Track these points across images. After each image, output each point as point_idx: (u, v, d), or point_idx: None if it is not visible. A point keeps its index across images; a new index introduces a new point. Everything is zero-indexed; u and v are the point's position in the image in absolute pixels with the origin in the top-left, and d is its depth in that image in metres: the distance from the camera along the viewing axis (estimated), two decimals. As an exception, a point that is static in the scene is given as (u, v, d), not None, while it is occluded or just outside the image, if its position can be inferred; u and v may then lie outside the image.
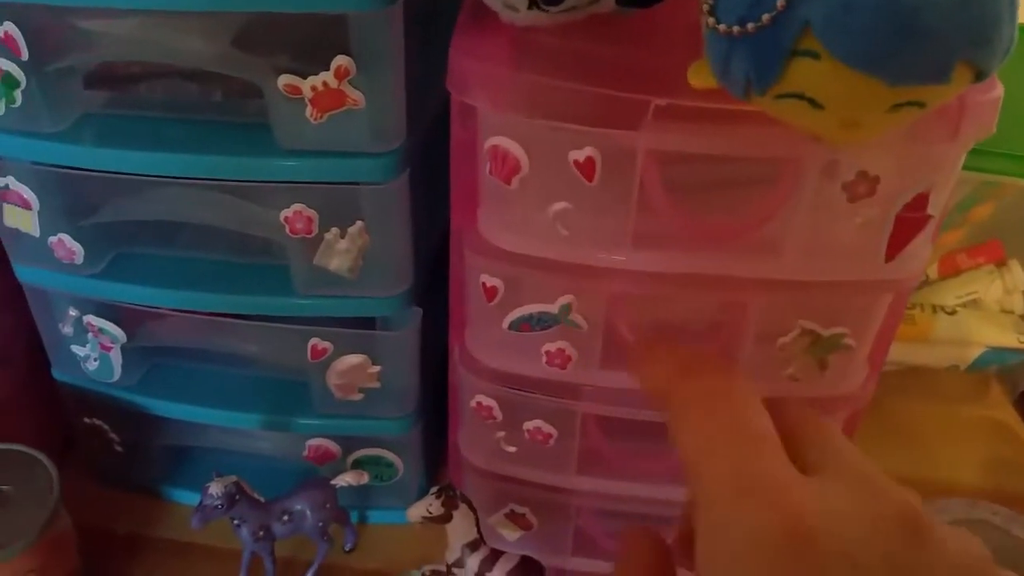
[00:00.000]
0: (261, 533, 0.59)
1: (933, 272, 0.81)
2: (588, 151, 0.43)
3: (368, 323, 0.59)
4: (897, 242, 0.46)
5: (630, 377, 0.46)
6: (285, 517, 0.60)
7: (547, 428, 0.56)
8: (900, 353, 0.77)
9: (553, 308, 0.51)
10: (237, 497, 0.57)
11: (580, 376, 0.54)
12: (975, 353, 0.78)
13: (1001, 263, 0.80)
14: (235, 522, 0.58)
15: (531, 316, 0.52)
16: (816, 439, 0.33)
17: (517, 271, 0.50)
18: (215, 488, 0.56)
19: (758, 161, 0.46)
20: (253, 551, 0.61)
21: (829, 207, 0.45)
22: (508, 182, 0.46)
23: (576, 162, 0.44)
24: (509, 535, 0.64)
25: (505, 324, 0.52)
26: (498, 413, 0.57)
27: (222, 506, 0.56)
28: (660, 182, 0.45)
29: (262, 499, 0.59)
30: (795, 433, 0.33)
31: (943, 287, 0.80)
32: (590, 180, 0.44)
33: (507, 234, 0.49)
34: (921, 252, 0.48)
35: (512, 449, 0.59)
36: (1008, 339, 0.77)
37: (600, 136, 0.43)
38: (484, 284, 0.51)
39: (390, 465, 0.66)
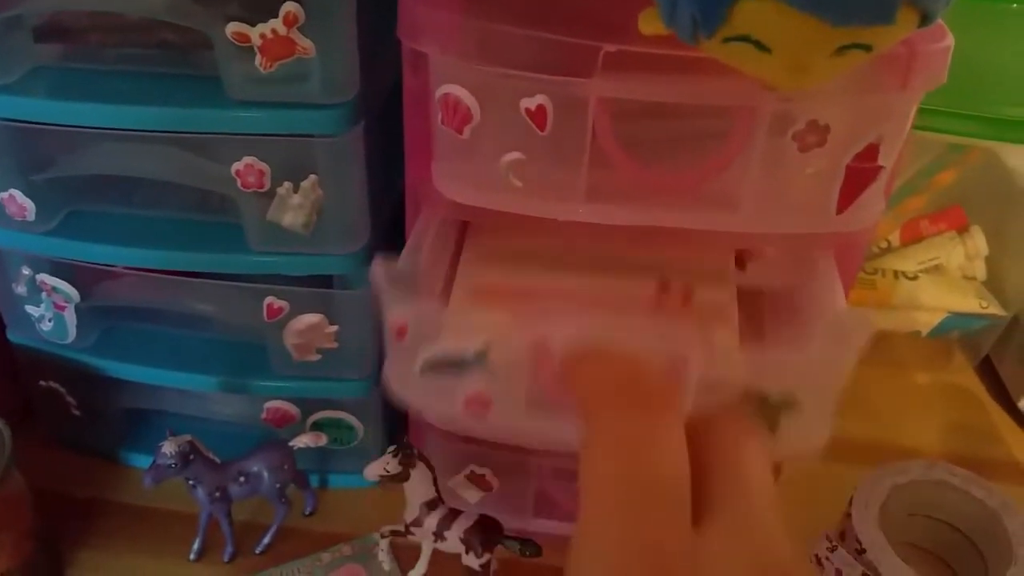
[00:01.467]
0: (217, 494, 0.59)
1: (895, 239, 0.82)
2: (540, 99, 0.43)
3: (326, 283, 0.59)
4: (848, 193, 0.46)
5: (560, 428, 0.39)
6: (242, 478, 0.60)
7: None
8: (862, 319, 0.78)
9: (468, 351, 0.45)
10: (191, 457, 0.56)
11: (504, 422, 0.48)
12: (937, 319, 0.78)
13: (963, 229, 0.80)
14: (190, 482, 0.58)
15: (444, 358, 0.46)
16: (728, 476, 0.32)
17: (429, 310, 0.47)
18: (168, 447, 0.55)
19: (711, 114, 0.46)
20: (210, 513, 0.61)
21: (781, 158, 0.45)
22: (460, 132, 0.45)
23: (528, 110, 0.44)
24: (470, 497, 0.64)
25: (416, 367, 0.47)
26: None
27: (175, 465, 0.56)
28: (612, 132, 0.45)
29: (217, 460, 0.59)
30: (713, 463, 0.31)
31: (905, 253, 0.81)
32: (542, 129, 0.44)
33: (461, 186, 0.48)
34: (873, 204, 0.48)
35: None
36: (970, 304, 0.77)
37: (551, 84, 0.43)
38: (394, 324, 0.47)
39: (350, 428, 0.65)
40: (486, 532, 0.57)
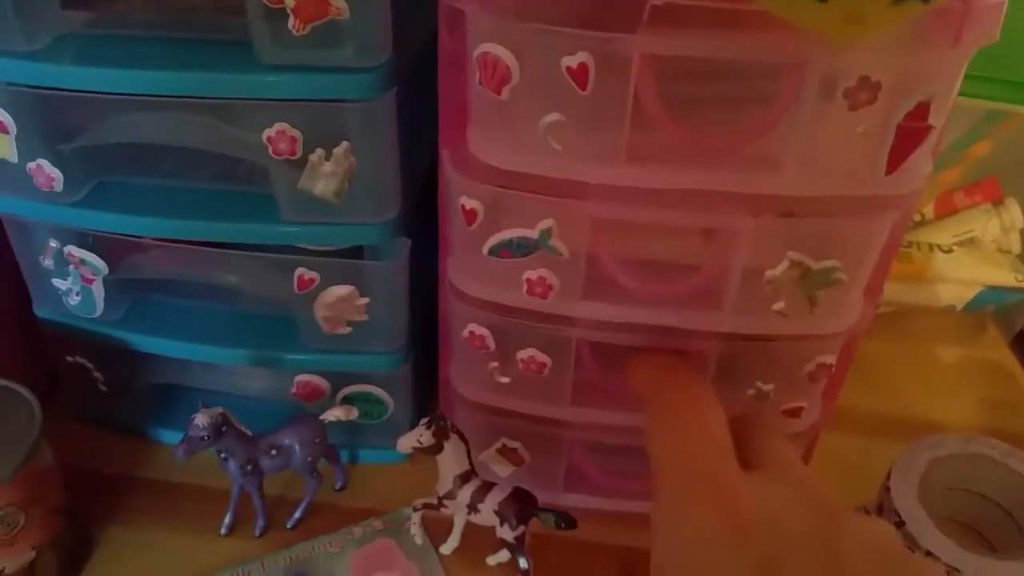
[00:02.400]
0: (249, 467, 0.58)
1: (929, 212, 0.80)
2: (581, 57, 0.42)
3: (355, 254, 0.58)
4: (898, 154, 0.45)
5: (614, 313, 0.53)
6: (273, 452, 0.59)
7: (541, 357, 0.55)
8: (896, 292, 0.77)
9: (533, 233, 0.49)
10: (224, 429, 0.56)
11: (563, 307, 0.53)
12: (972, 292, 0.77)
13: (998, 202, 0.79)
14: (222, 455, 0.58)
15: (511, 241, 0.50)
16: (762, 445, 0.41)
17: (498, 193, 0.49)
18: (201, 419, 0.55)
19: (757, 75, 0.45)
20: (241, 487, 0.60)
21: (830, 116, 0.44)
22: (499, 92, 0.44)
23: (569, 69, 0.42)
24: (501, 471, 0.63)
25: (485, 250, 0.51)
26: (491, 342, 0.56)
27: (208, 437, 0.55)
28: (656, 91, 0.43)
29: (249, 432, 0.58)
30: (747, 438, 0.41)
31: (940, 226, 0.79)
32: (583, 89, 0.43)
33: (498, 150, 0.47)
34: (921, 167, 0.46)
35: (506, 380, 0.58)
36: (1005, 278, 0.76)
37: (594, 40, 0.41)
38: (464, 207, 0.50)
39: (380, 402, 0.64)
40: (521, 504, 0.56)
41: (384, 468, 0.68)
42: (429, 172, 0.55)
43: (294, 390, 0.64)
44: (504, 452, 0.62)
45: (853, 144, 0.45)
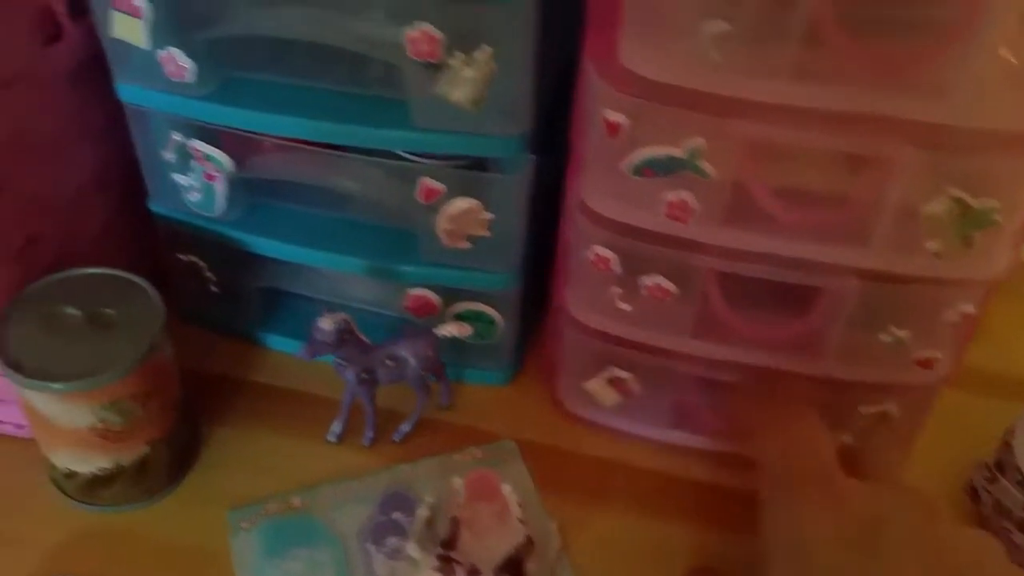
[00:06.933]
0: (365, 376, 0.58)
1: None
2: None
3: (478, 168, 0.56)
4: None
5: (752, 242, 0.50)
6: (389, 362, 0.58)
7: (667, 284, 0.54)
8: None
9: (681, 152, 0.47)
10: (346, 336, 0.55)
11: (701, 232, 0.51)
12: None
13: None
14: (341, 363, 0.57)
15: (656, 159, 0.48)
16: (867, 463, 0.44)
17: (646, 107, 0.46)
18: (326, 323, 0.54)
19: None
20: (353, 395, 0.60)
21: (1007, 42, 0.40)
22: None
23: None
24: (606, 401, 0.62)
25: (626, 167, 0.49)
26: (616, 266, 0.54)
27: (333, 342, 0.55)
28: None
29: (370, 342, 0.58)
30: (852, 458, 0.43)
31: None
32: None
33: (652, 61, 0.45)
34: None
35: (627, 307, 0.56)
36: None
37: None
38: (607, 120, 0.48)
39: (491, 321, 0.63)
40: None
41: (487, 390, 0.67)
42: (558, 88, 0.53)
43: (406, 303, 0.63)
44: (614, 383, 0.61)
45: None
